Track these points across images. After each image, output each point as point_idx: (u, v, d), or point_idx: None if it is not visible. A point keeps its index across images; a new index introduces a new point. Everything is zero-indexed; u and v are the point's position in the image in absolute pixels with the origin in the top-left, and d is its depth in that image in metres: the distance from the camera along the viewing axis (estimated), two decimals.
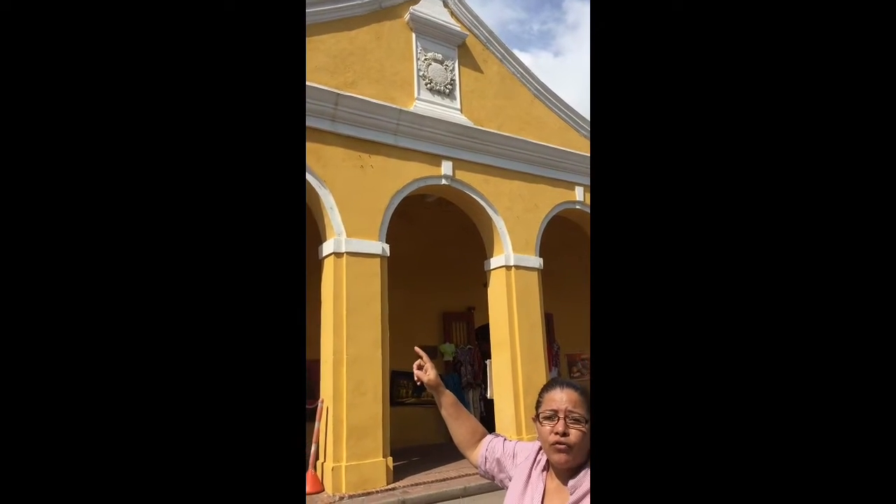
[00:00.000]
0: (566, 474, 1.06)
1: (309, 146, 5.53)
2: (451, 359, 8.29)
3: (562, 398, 1.06)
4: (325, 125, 5.67)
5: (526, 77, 7.64)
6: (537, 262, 7.03)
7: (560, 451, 1.03)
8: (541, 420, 1.07)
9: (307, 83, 5.49)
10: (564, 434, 1.02)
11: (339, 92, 5.69)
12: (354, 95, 5.81)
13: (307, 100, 5.45)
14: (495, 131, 6.90)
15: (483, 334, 7.89)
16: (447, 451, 6.91)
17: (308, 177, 5.51)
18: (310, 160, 5.52)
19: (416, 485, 5.24)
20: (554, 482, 1.08)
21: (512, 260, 6.79)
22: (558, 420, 1.04)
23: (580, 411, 1.04)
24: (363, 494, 4.91)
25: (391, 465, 5.35)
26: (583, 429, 1.03)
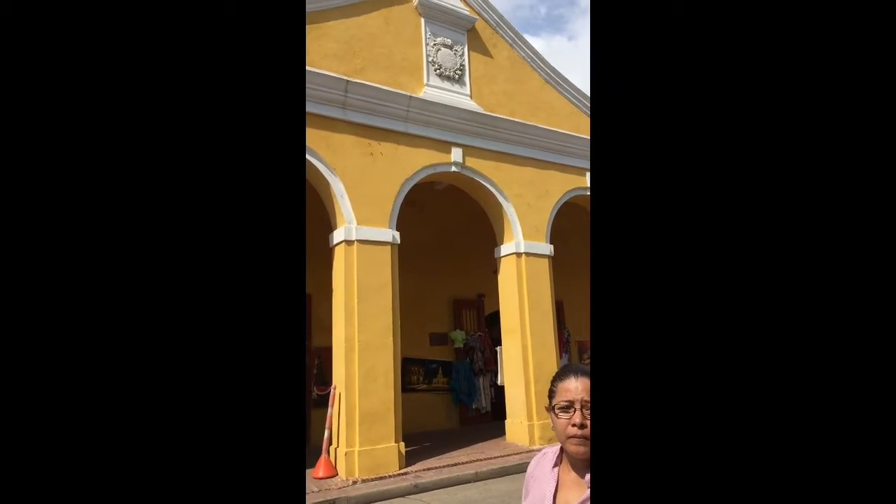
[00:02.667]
0: (583, 466, 1.01)
1: (319, 133, 5.53)
2: (461, 346, 8.33)
3: (577, 387, 1.01)
4: (335, 112, 5.65)
5: (536, 62, 7.54)
6: (548, 248, 7.00)
7: (578, 443, 0.99)
8: (556, 412, 1.02)
9: (317, 70, 5.47)
10: (582, 426, 0.98)
11: (348, 79, 5.66)
12: (364, 82, 5.78)
13: (317, 87, 5.44)
14: (505, 117, 6.83)
15: (493, 321, 7.91)
16: (458, 437, 6.98)
17: (318, 164, 5.51)
18: (320, 148, 5.52)
19: (428, 469, 5.30)
20: (570, 475, 1.04)
21: (522, 247, 6.77)
22: (575, 411, 0.99)
23: None
24: (376, 479, 4.98)
25: (403, 450, 5.41)
26: None
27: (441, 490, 4.91)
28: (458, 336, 8.37)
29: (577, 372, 1.05)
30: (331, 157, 5.59)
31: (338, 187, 5.61)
